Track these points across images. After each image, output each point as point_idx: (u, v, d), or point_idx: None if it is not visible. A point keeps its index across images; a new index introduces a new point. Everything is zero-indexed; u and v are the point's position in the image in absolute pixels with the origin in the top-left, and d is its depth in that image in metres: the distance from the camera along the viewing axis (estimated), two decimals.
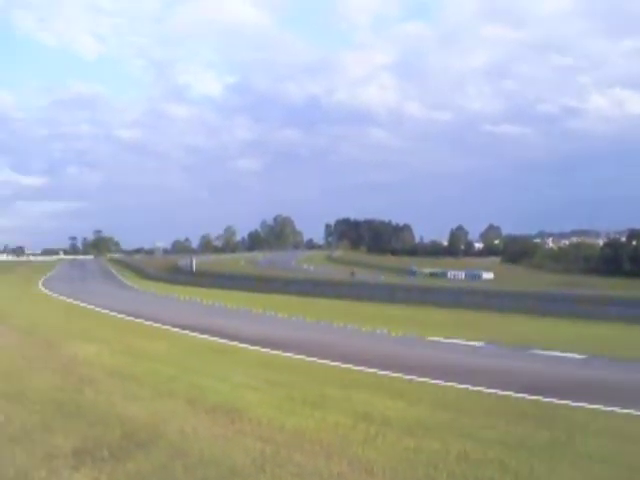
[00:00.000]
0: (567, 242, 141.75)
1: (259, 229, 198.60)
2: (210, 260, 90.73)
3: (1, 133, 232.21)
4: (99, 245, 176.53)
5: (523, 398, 9.63)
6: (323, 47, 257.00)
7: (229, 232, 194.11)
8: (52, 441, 6.92)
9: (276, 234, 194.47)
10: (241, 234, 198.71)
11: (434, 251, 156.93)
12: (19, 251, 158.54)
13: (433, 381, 10.95)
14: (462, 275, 68.60)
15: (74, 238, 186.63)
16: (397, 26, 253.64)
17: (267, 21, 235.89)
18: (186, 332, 17.52)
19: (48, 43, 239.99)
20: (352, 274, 60.22)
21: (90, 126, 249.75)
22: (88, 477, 5.86)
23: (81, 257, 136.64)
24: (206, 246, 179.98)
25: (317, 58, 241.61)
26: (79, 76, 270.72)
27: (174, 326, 18.60)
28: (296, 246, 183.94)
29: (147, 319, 20.55)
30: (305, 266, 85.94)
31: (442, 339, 17.57)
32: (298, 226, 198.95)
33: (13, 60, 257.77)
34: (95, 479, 5.81)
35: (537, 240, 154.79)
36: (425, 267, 76.06)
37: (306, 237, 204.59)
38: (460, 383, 10.66)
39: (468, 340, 17.14)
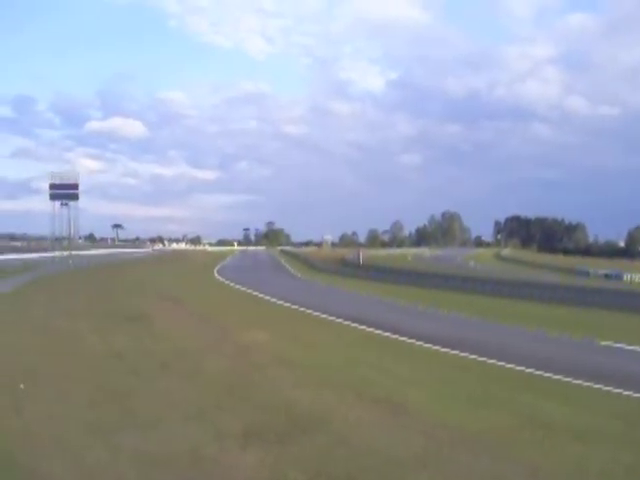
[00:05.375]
0: None
1: (427, 224, 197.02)
2: (377, 254, 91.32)
3: (178, 130, 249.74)
4: (270, 237, 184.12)
5: None
6: (483, 41, 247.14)
7: (396, 227, 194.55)
8: (223, 421, 7.28)
9: (444, 230, 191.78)
10: (407, 229, 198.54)
11: (609, 252, 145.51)
12: (196, 240, 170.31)
13: (606, 388, 10.12)
14: None
15: (247, 229, 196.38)
16: (560, 18, 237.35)
17: (426, 17, 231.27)
18: (354, 324, 17.60)
19: (220, 45, 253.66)
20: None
21: (258, 123, 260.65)
22: (255, 457, 6.10)
23: (252, 248, 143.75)
24: (373, 240, 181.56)
25: (477, 52, 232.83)
26: (247, 75, 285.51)
27: (340, 317, 18.81)
28: (464, 243, 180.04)
29: (314, 309, 20.95)
30: (472, 264, 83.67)
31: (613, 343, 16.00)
32: (466, 222, 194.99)
33: (187, 61, 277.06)
34: (261, 460, 6.03)
35: None
36: (599, 268, 70.83)
37: (474, 234, 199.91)
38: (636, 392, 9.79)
39: None
